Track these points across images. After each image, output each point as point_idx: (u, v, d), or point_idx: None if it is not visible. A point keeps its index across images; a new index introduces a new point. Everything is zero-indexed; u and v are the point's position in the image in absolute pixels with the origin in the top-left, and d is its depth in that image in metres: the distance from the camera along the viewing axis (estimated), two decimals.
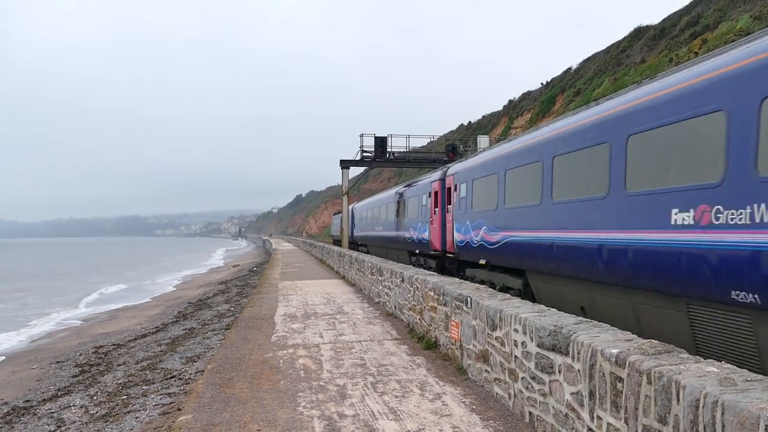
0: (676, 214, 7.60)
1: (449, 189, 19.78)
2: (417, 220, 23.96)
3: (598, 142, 9.82)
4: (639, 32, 50.01)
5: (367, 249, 36.34)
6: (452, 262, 19.80)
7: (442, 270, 20.65)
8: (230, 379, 8.14)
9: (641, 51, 45.58)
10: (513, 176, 13.97)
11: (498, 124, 71.96)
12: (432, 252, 21.64)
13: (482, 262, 15.87)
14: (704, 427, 3.28)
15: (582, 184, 10.42)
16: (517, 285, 13.87)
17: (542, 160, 12.22)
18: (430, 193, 22.21)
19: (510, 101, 74.07)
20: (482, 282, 16.02)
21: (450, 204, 19.65)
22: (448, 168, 21.18)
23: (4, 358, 19.14)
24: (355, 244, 40.35)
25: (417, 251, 24.16)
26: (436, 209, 21.21)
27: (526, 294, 13.27)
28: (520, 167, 13.51)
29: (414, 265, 21.26)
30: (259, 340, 10.99)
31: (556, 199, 11.50)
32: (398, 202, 28.08)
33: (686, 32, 39.72)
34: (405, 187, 28.60)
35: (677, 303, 7.80)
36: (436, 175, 22.09)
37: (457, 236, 18.36)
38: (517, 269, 13.82)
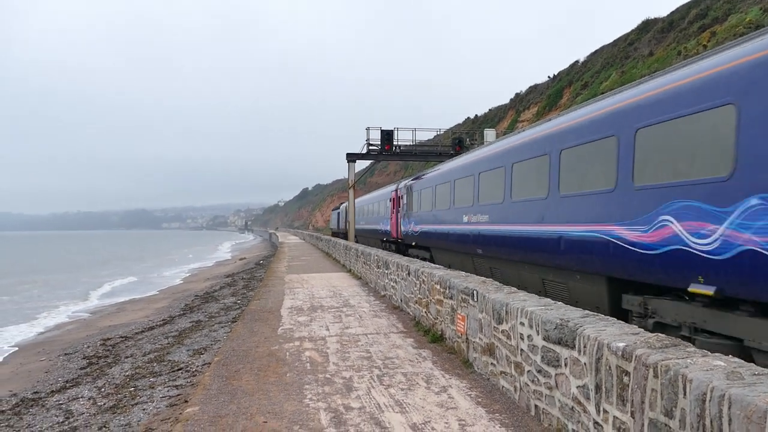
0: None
1: (399, 197, 29.48)
2: (384, 217, 33.60)
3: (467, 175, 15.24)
4: (647, 25, 49.74)
5: (356, 239, 41.56)
6: (401, 244, 29.54)
7: (398, 250, 30.20)
8: (237, 371, 8.17)
9: (649, 44, 45.33)
10: (427, 192, 23.44)
11: (505, 117, 71.80)
12: (392, 239, 31.22)
13: (413, 243, 26.15)
14: (711, 421, 3.28)
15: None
16: (426, 256, 23.90)
17: (432, 186, 22.79)
18: (390, 198, 31.72)
19: (517, 94, 73.86)
20: (416, 256, 24.59)
21: (399, 207, 29.46)
22: (399, 183, 31.16)
23: (17, 348, 19.28)
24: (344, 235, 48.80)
25: (384, 239, 33.79)
26: (394, 210, 30.52)
27: (431, 260, 22.92)
28: (428, 188, 23.26)
29: (383, 248, 30.68)
30: (265, 332, 11.03)
31: (439, 208, 21.20)
32: (376, 203, 37.55)
33: (695, 25, 39.48)
34: (377, 193, 38.99)
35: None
36: (393, 186, 32.74)
37: (402, 228, 28.48)
38: (426, 247, 24.06)
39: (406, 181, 28.46)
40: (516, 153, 14.15)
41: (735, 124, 7.09)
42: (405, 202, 27.52)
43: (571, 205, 11.22)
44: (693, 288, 7.65)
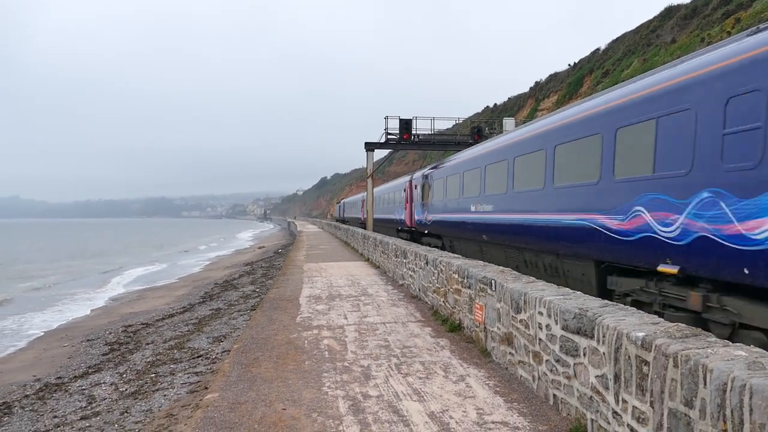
0: None
1: (413, 188, 30.55)
2: (399, 207, 35.10)
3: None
4: (670, 11, 48.97)
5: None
6: (415, 233, 30.60)
7: (412, 238, 30.90)
8: (256, 359, 8.24)
9: (672, 31, 44.65)
10: (439, 183, 24.54)
11: (524, 106, 71.25)
12: (406, 227, 32.57)
13: (426, 232, 27.38)
14: (731, 411, 3.25)
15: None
16: (438, 243, 25.02)
17: (444, 177, 23.85)
18: (404, 189, 33.10)
19: (536, 83, 73.21)
20: (428, 244, 26.47)
21: (413, 197, 30.67)
22: (412, 174, 32.29)
23: (41, 334, 19.60)
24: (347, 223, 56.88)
25: (399, 227, 35.18)
26: (408, 201, 31.93)
27: (443, 247, 23.89)
28: (440, 179, 24.44)
29: (398, 237, 30.28)
30: (284, 320, 11.10)
31: (450, 198, 22.27)
32: (391, 193, 39.19)
33: (719, 11, 38.79)
34: (391, 184, 40.62)
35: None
36: (407, 177, 34.17)
37: (416, 217, 29.46)
38: (438, 234, 25.19)
39: (420, 173, 29.80)
40: (517, 148, 15.16)
41: (693, 128, 8.24)
42: (418, 192, 28.87)
43: (563, 195, 12.34)
44: (663, 268, 8.88)
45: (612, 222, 10.25)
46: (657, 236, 8.95)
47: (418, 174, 30.09)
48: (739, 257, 7.36)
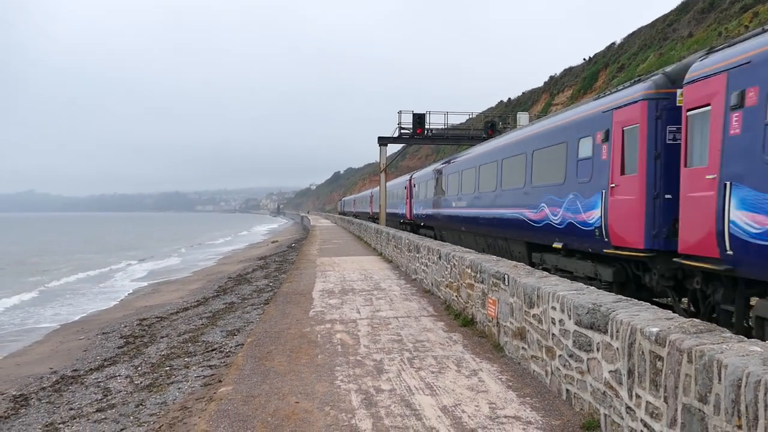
0: None
1: (412, 186, 35.69)
2: (401, 202, 40.12)
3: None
4: (687, 5, 48.48)
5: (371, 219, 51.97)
6: (413, 225, 35.17)
7: (411, 229, 34.72)
8: (269, 352, 8.29)
9: (689, 25, 44.22)
10: (431, 184, 29.28)
11: (538, 100, 70.89)
12: (407, 220, 37.36)
13: (422, 224, 32.37)
14: (746, 407, 3.23)
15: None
16: (431, 234, 29.17)
17: (434, 179, 28.89)
18: (405, 187, 38.35)
19: (551, 77, 72.81)
20: (425, 234, 30.20)
21: (412, 194, 35.81)
22: (412, 174, 37.47)
23: (57, 326, 19.81)
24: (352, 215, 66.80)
25: (402, 220, 39.06)
26: (408, 197, 37.15)
27: (435, 237, 27.96)
28: (431, 180, 29.33)
29: (400, 228, 33.39)
30: (297, 314, 11.14)
31: (438, 196, 27.41)
32: (394, 190, 43.84)
33: (737, 5, 38.36)
34: (394, 182, 46.76)
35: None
36: (407, 176, 38.99)
37: (414, 211, 34.69)
38: (431, 226, 30.17)
39: (416, 173, 36.15)
40: (484, 158, 20.39)
41: (566, 155, 13.32)
42: (417, 190, 34.23)
43: (507, 196, 17.31)
44: (555, 245, 13.69)
45: (532, 214, 15.11)
46: (551, 223, 13.91)
47: (415, 174, 36.38)
48: (586, 234, 12.23)
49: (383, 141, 36.68)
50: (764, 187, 7.27)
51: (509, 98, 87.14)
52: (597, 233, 11.61)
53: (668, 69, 10.51)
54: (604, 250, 11.39)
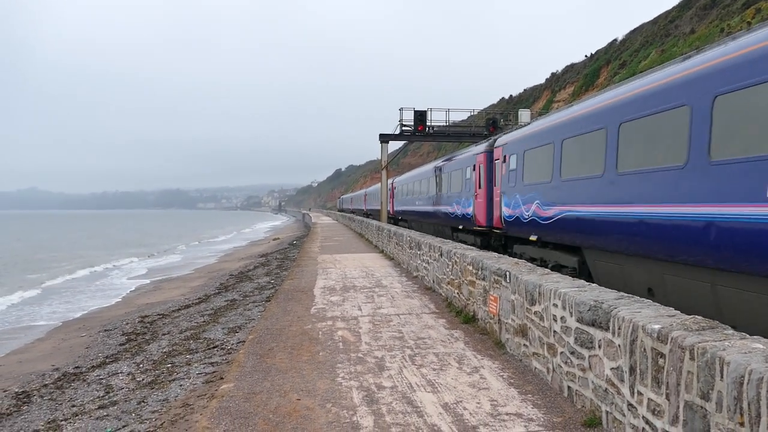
0: None
1: (394, 188, 43.23)
2: (387, 201, 42.17)
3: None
4: (689, 2, 48.35)
5: (370, 216, 55.52)
6: (396, 219, 42.60)
7: (395, 222, 41.54)
8: (270, 349, 8.29)
9: (691, 21, 44.11)
10: (404, 187, 39.22)
11: (540, 97, 70.80)
12: (390, 216, 41.79)
13: (400, 218, 40.95)
14: (749, 404, 3.22)
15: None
16: (406, 225, 36.60)
17: (409, 183, 37.59)
18: (390, 188, 42.77)
19: (553, 74, 72.69)
20: (402, 225, 36.75)
21: (394, 194, 43.58)
22: (394, 179, 44.60)
23: (59, 324, 19.83)
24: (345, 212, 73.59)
25: (390, 216, 42.25)
26: (392, 196, 43.86)
27: (408, 227, 33.96)
28: (405, 183, 39.40)
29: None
30: (298, 312, 11.15)
31: (408, 197, 37.38)
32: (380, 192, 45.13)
33: (739, 1, 38.25)
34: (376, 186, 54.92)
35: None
36: (392, 180, 44.67)
37: (396, 208, 42.17)
38: (405, 219, 39.14)
39: (397, 179, 44.03)
40: (415, 176, 30.54)
41: (461, 178, 22.99)
42: (396, 192, 41.96)
43: (433, 199, 27.55)
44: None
45: (450, 210, 24.25)
46: (456, 214, 22.03)
47: (396, 179, 43.80)
48: (468, 220, 21.56)
49: (385, 138, 36.63)
50: (511, 197, 16.63)
51: (511, 95, 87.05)
52: (471, 219, 21.14)
53: (493, 139, 20.78)
54: (474, 227, 20.91)
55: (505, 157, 17.71)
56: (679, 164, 8.46)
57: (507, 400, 5.97)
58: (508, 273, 8.03)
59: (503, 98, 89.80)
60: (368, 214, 57.24)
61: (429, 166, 32.25)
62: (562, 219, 12.79)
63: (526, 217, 15.08)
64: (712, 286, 8.06)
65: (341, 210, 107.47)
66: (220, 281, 26.88)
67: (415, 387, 6.43)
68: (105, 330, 17.08)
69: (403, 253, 18.87)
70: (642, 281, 10.03)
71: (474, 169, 21.15)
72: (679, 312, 4.82)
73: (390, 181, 42.67)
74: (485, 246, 19.57)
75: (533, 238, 14.82)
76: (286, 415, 5.71)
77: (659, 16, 53.17)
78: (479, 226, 20.27)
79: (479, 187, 20.39)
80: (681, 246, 8.49)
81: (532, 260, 14.72)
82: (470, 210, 21.36)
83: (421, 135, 35.93)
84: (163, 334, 14.87)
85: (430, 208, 29.48)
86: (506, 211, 17.05)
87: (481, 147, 21.09)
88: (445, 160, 27.84)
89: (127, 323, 17.66)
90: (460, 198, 23.07)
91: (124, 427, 7.87)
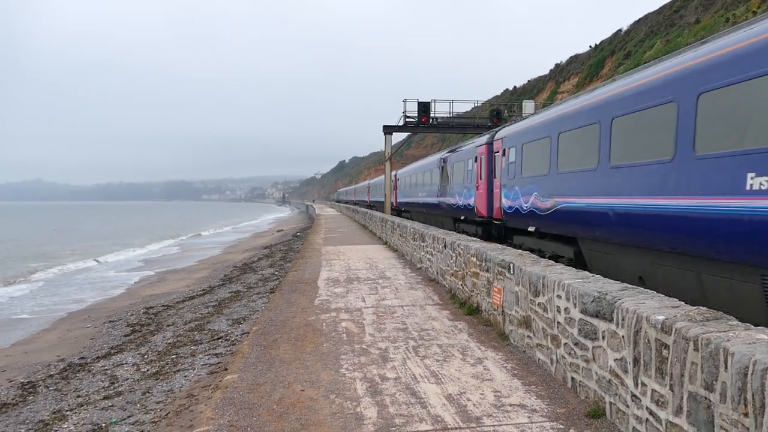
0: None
1: (397, 180, 43.03)
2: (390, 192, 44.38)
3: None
4: None
5: (373, 207, 57.00)
6: (399, 210, 42.13)
7: (397, 213, 41.31)
8: (275, 340, 8.31)
9: (696, 11, 43.83)
10: (407, 179, 38.98)
11: (544, 88, 70.52)
12: (393, 207, 41.35)
13: (403, 209, 40.41)
14: (753, 395, 3.22)
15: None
16: (408, 216, 35.92)
17: (410, 175, 38.18)
18: (393, 180, 42.27)
19: (557, 65, 72.39)
20: (405, 216, 36.32)
21: (397, 186, 43.49)
22: (397, 171, 44.01)
23: (65, 315, 19.91)
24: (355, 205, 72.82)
25: (393, 206, 42.11)
26: (394, 188, 43.56)
27: (409, 217, 34.66)
28: (407, 176, 39.18)
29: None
30: (302, 303, 11.16)
31: (410, 188, 37.52)
32: (383, 184, 45.74)
33: None
34: (379, 178, 55.59)
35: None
36: (395, 172, 44.13)
37: (399, 199, 41.70)
38: (408, 210, 38.54)
39: (399, 171, 44.01)
40: (416, 169, 32.70)
41: (464, 169, 23.22)
42: (399, 183, 42.09)
43: (436, 190, 28.07)
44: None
45: (452, 201, 24.78)
46: (459, 205, 23.23)
47: (399, 171, 43.96)
48: (470, 210, 21.65)
49: (388, 130, 36.58)
50: (510, 189, 16.88)
51: (515, 86, 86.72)
52: (473, 210, 21.37)
53: (494, 131, 20.73)
54: (476, 218, 21.11)
55: (504, 149, 17.95)
56: (667, 158, 8.84)
57: (510, 391, 5.98)
58: (511, 264, 8.02)
59: (507, 89, 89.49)
60: (371, 205, 59.10)
61: (432, 158, 32.56)
62: (558, 210, 13.17)
63: (525, 208, 15.63)
64: (698, 275, 8.42)
65: (338, 201, 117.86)
66: (224, 273, 26.95)
67: (419, 378, 6.44)
68: (110, 321, 17.15)
69: (406, 244, 18.87)
70: (634, 270, 10.38)
71: (476, 161, 21.45)
72: (683, 303, 4.81)
73: (393, 173, 42.78)
74: (486, 236, 19.89)
75: (531, 229, 15.20)
76: (290, 405, 5.73)
77: (664, 6, 52.83)
78: (480, 217, 20.60)
79: (480, 179, 20.67)
80: (669, 236, 8.87)
81: (530, 251, 14.67)
82: (472, 201, 21.60)
83: (425, 126, 35.86)
84: (168, 326, 14.93)
85: (433, 200, 29.78)
86: (506, 202, 17.40)
87: (483, 139, 21.38)
88: (447, 152, 28.15)
89: (132, 314, 17.73)
90: (462, 189, 23.30)
91: (129, 417, 7.91)
